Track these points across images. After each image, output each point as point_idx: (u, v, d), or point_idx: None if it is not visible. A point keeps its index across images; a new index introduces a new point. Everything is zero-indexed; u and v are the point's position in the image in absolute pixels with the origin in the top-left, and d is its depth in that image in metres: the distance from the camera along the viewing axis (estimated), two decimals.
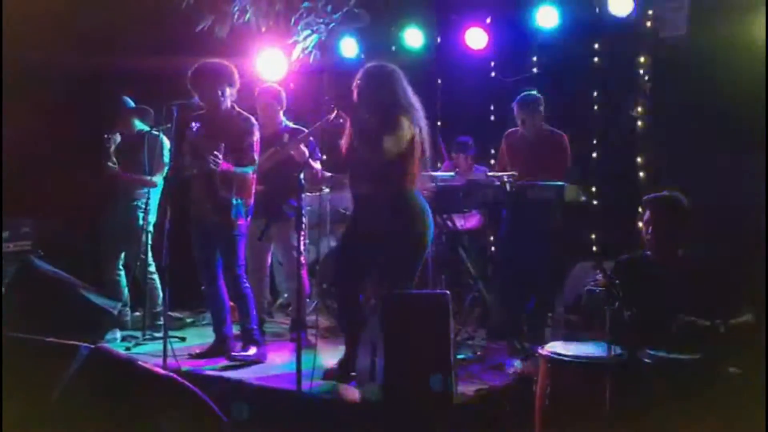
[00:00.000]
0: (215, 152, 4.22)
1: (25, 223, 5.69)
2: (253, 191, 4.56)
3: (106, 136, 5.17)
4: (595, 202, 5.56)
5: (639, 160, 5.47)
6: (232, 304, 4.61)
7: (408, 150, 3.87)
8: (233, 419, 3.26)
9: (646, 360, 3.17)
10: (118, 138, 5.26)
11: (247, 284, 4.51)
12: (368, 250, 3.93)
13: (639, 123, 5.49)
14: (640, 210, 3.62)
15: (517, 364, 4.22)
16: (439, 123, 6.40)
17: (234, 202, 4.39)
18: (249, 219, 4.51)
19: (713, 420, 2.93)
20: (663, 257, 3.51)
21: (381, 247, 3.87)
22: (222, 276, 4.51)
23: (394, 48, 6.39)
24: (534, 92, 5.14)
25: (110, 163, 5.22)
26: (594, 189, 5.56)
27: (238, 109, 4.52)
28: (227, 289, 4.52)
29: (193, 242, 4.52)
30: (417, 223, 3.90)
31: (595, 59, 5.70)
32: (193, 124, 4.46)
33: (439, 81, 6.51)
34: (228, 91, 4.41)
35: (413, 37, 6.25)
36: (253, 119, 4.53)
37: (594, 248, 5.56)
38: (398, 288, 3.77)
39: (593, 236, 5.63)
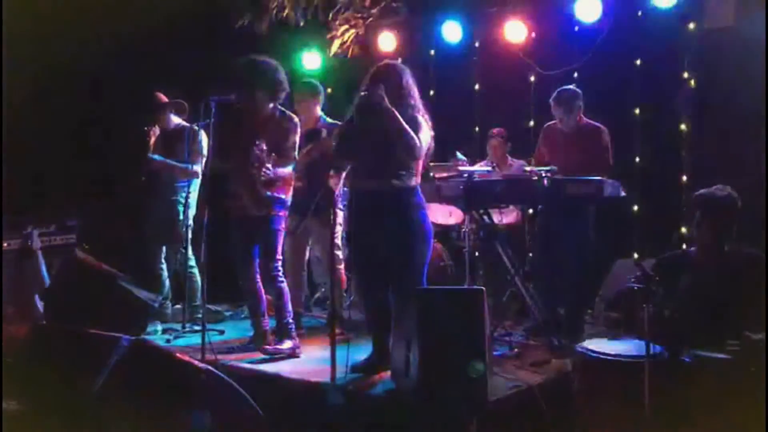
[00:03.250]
0: (267, 165, 4.24)
1: (71, 217, 5.83)
2: (292, 186, 4.58)
3: (146, 129, 5.23)
4: (636, 204, 5.46)
5: (683, 155, 5.36)
6: (269, 297, 4.65)
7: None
8: (269, 412, 3.30)
9: (687, 359, 3.11)
10: (158, 131, 5.32)
11: (283, 279, 4.54)
12: (377, 247, 3.95)
13: (683, 118, 5.37)
14: (686, 208, 3.54)
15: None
16: (477, 116, 6.40)
17: (273, 196, 4.42)
18: (287, 213, 4.54)
19: (753, 420, 2.86)
20: (708, 256, 3.43)
21: (386, 242, 3.90)
22: (259, 271, 4.55)
23: (432, 42, 6.36)
24: (572, 87, 5.05)
25: (151, 155, 5.24)
26: (636, 184, 5.45)
27: (280, 107, 4.54)
28: (264, 284, 4.56)
29: (232, 237, 4.56)
30: (414, 220, 3.93)
31: (639, 52, 5.58)
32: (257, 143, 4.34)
33: (478, 75, 6.46)
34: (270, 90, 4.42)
35: (452, 31, 6.21)
36: (295, 118, 4.55)
37: (635, 245, 5.45)
38: (407, 282, 3.80)
39: (634, 233, 5.53)
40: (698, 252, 3.48)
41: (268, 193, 4.39)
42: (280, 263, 4.52)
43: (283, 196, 4.46)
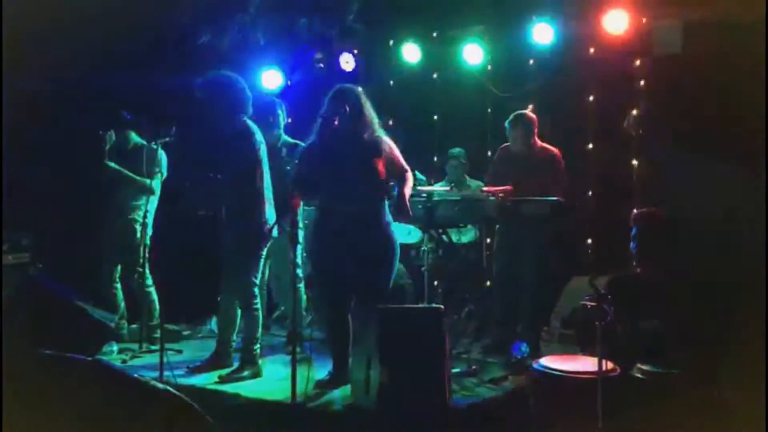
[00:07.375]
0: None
1: (24, 236, 5.70)
2: (264, 209, 4.46)
3: (100, 132, 5.14)
4: (590, 222, 5.59)
5: (634, 177, 5.52)
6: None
7: (384, 168, 4.04)
8: None
9: (639, 375, 3.20)
10: (113, 136, 5.23)
11: (258, 305, 4.50)
12: (347, 265, 4.00)
13: (635, 139, 5.53)
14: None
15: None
16: (435, 137, 6.48)
17: (254, 223, 4.38)
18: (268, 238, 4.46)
19: None
20: (652, 273, 3.56)
21: (360, 261, 3.95)
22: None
23: (391, 63, 6.44)
24: (526, 112, 5.16)
25: (108, 162, 5.17)
26: (590, 203, 5.59)
27: (246, 123, 4.51)
28: (239, 306, 4.51)
29: (223, 263, 4.50)
30: (391, 237, 4.08)
31: (592, 75, 5.74)
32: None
33: (437, 96, 6.56)
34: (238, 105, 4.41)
35: (411, 53, 6.30)
36: (260, 135, 4.50)
37: (589, 263, 5.58)
38: (376, 299, 3.85)
39: (589, 251, 5.66)
40: (641, 270, 3.61)
41: (245, 215, 4.35)
42: (257, 289, 4.47)
43: (256, 218, 4.40)
